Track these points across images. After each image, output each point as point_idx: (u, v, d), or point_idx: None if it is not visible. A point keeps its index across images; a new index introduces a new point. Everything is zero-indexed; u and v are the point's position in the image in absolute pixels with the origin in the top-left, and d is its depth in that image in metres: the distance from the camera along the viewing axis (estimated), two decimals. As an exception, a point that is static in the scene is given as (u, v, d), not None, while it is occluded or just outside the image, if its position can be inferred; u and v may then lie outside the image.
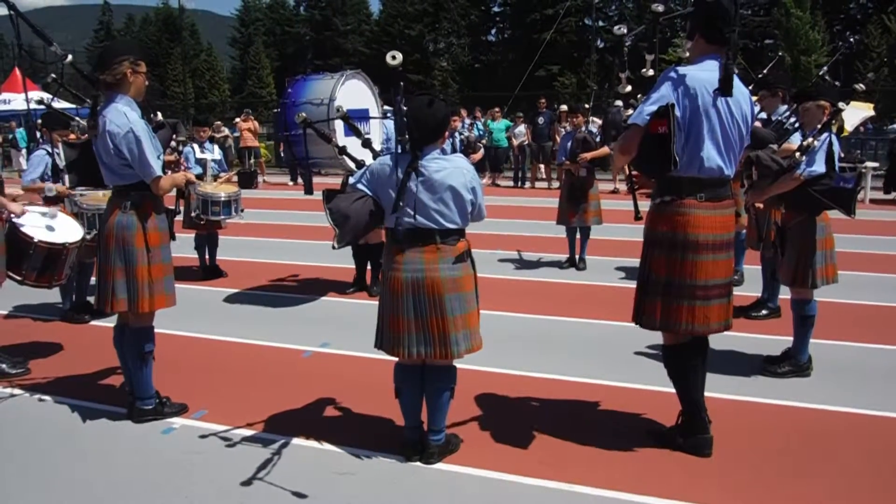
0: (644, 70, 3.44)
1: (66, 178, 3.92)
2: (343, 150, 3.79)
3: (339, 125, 5.60)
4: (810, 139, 4.09)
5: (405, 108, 3.24)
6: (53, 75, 3.95)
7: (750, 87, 4.12)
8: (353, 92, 6.23)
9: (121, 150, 3.56)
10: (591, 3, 37.36)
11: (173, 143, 4.76)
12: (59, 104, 5.01)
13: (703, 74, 3.11)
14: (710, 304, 3.24)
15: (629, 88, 3.43)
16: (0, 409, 4.07)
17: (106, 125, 3.57)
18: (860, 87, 4.39)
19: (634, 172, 3.72)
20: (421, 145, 3.15)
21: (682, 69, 3.16)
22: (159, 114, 4.05)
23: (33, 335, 5.45)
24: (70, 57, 3.85)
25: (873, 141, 19.32)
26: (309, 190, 5.18)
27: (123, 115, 3.57)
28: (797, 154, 4.08)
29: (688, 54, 3.35)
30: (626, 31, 3.58)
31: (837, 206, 4.18)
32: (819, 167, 4.10)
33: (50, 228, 4.72)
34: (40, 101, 4.09)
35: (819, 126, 4.16)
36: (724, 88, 3.03)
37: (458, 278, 3.20)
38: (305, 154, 5.19)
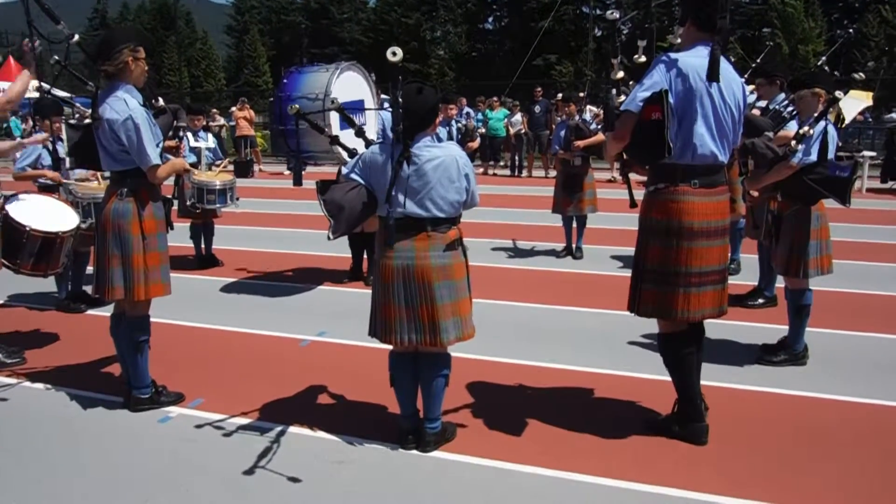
0: (636, 56, 3.43)
1: (67, 161, 3.89)
2: (335, 140, 3.77)
3: (335, 117, 5.57)
4: (806, 128, 4.08)
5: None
6: (56, 57, 3.90)
7: (745, 76, 4.11)
8: (349, 84, 6.19)
9: (119, 137, 3.56)
10: (589, -10, 37.22)
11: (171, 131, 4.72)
12: (57, 93, 4.93)
13: (695, 60, 3.10)
14: (705, 291, 3.24)
15: (621, 74, 3.42)
16: (-4, 398, 4.07)
17: (106, 112, 3.58)
18: (859, 76, 4.37)
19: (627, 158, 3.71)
20: (412, 133, 3.14)
21: (674, 55, 3.15)
22: (161, 99, 4.00)
23: (29, 324, 5.44)
24: (77, 37, 3.82)
25: (871, 130, 19.27)
26: (298, 181, 5.16)
27: (123, 102, 3.57)
28: (793, 142, 4.07)
29: (679, 41, 3.34)
30: (618, 15, 3.59)
31: (833, 194, 4.18)
32: (814, 156, 4.09)
33: (44, 216, 4.70)
34: (38, 89, 4.04)
35: (815, 115, 4.15)
36: (711, 74, 3.02)
37: (449, 266, 3.20)
38: (297, 146, 5.19)
